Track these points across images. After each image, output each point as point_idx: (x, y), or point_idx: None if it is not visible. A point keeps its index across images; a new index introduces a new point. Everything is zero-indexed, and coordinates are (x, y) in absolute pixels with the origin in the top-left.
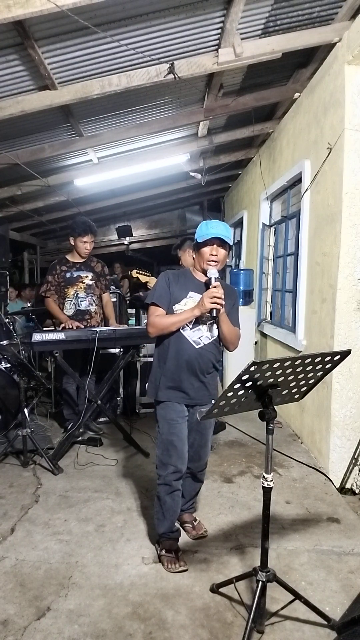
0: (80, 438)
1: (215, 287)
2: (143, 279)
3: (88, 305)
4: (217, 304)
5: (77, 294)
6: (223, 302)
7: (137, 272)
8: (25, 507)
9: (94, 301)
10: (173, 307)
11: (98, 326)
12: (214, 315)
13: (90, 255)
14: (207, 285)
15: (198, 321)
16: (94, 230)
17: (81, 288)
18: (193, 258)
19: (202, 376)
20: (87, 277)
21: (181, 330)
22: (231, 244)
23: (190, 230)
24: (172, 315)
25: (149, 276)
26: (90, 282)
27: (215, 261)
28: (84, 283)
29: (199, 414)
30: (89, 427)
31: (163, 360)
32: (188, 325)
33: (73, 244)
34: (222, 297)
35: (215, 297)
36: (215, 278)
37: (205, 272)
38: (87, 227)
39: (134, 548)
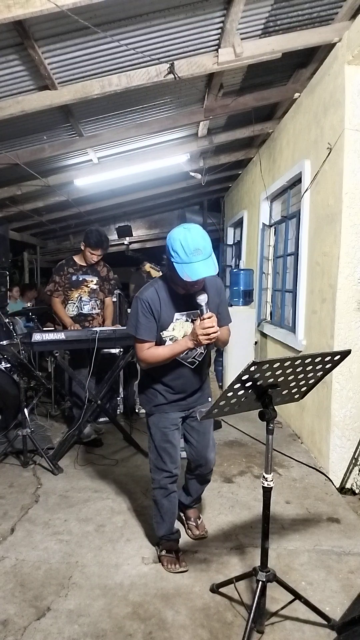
0: (89, 438)
1: (208, 317)
2: (154, 274)
3: (90, 309)
4: (213, 337)
5: (81, 297)
6: (218, 332)
7: (150, 267)
8: (25, 507)
9: (97, 305)
10: (161, 334)
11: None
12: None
13: None
14: (188, 299)
15: None
16: (105, 246)
17: (85, 292)
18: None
19: (199, 386)
20: (92, 281)
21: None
22: (216, 263)
23: None
24: (164, 348)
25: (159, 272)
26: (95, 287)
27: (201, 284)
28: (89, 287)
29: (199, 414)
30: (95, 427)
31: (157, 379)
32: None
33: (83, 249)
34: (216, 326)
35: (210, 332)
36: (205, 305)
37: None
38: (99, 242)
39: (134, 548)
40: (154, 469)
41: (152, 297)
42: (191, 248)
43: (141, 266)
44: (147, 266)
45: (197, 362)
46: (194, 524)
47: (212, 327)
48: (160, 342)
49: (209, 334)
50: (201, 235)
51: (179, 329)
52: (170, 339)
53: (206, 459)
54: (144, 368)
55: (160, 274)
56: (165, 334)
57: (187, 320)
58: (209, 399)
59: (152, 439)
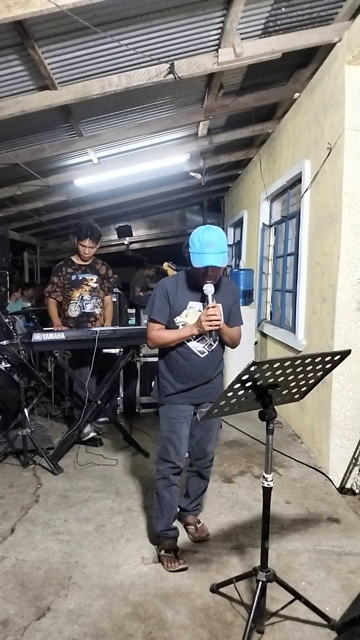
0: (89, 436)
1: (212, 306)
2: (170, 272)
3: (93, 307)
4: (216, 325)
5: (82, 296)
6: (221, 322)
7: (168, 266)
8: (25, 507)
9: (98, 304)
10: (174, 319)
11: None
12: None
13: (94, 257)
14: (205, 294)
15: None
16: (95, 236)
17: (86, 291)
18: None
19: (209, 379)
20: (92, 279)
21: (186, 342)
22: (225, 258)
23: (190, 230)
24: (171, 331)
25: (175, 271)
26: (95, 285)
27: (210, 277)
28: (89, 286)
29: (199, 414)
30: (94, 427)
31: (169, 369)
32: (192, 337)
33: (76, 245)
34: (221, 316)
35: (212, 319)
36: (212, 296)
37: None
38: (87, 232)
39: (134, 548)
40: (159, 459)
41: (171, 285)
42: (205, 241)
43: (159, 266)
44: (165, 265)
45: (207, 353)
46: (193, 528)
47: (215, 315)
48: (173, 326)
49: (211, 321)
50: (218, 234)
51: (192, 316)
52: (182, 324)
53: (205, 452)
54: (150, 348)
55: (176, 272)
56: (178, 319)
57: (199, 310)
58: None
59: (160, 429)
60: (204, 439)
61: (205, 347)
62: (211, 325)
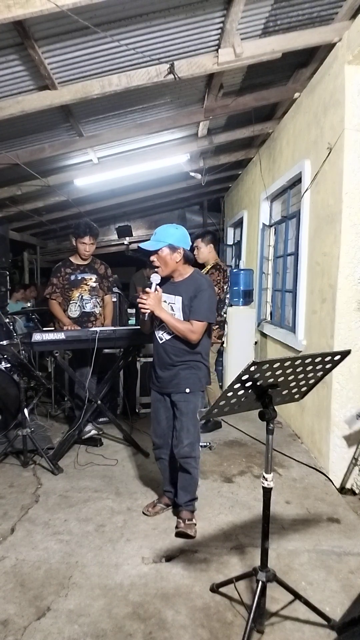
0: (89, 434)
1: (145, 292)
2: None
3: (93, 307)
4: (143, 308)
5: (82, 296)
6: (147, 307)
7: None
8: (25, 507)
9: (98, 303)
10: None
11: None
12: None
13: (93, 257)
14: (174, 286)
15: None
16: (94, 232)
17: (85, 290)
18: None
19: (169, 367)
20: (91, 279)
21: (155, 328)
22: (157, 246)
23: (190, 230)
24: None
25: None
26: (94, 284)
27: (158, 266)
28: (88, 285)
29: (198, 414)
30: (94, 426)
31: None
32: (156, 324)
33: (75, 245)
34: (145, 302)
35: (140, 303)
36: (155, 284)
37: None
38: (86, 229)
39: (134, 548)
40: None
41: (155, 280)
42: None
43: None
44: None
45: (165, 340)
46: (182, 523)
47: (142, 300)
48: None
49: (140, 301)
50: (164, 227)
51: (165, 306)
52: None
53: (179, 439)
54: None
55: None
56: None
57: (164, 301)
58: (187, 391)
59: None
60: (178, 426)
61: (165, 333)
62: (140, 306)
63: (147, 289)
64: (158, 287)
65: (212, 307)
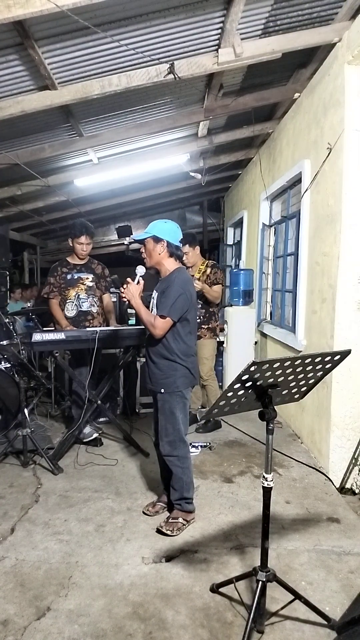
0: (91, 437)
1: (126, 283)
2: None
3: (89, 306)
4: (123, 297)
5: (79, 295)
6: (125, 297)
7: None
8: (25, 507)
9: (95, 302)
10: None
11: (99, 327)
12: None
13: (90, 257)
14: (160, 282)
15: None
16: (90, 232)
17: (82, 289)
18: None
19: (150, 365)
20: (87, 278)
21: None
22: (143, 236)
23: (190, 230)
24: None
25: None
26: (91, 284)
27: (144, 257)
28: (85, 284)
29: (198, 414)
30: (95, 427)
31: None
32: None
33: (72, 245)
34: (124, 291)
35: (122, 293)
36: (139, 276)
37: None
38: (82, 228)
39: (134, 548)
40: None
41: (139, 272)
42: None
43: None
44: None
45: (148, 333)
46: (164, 520)
47: (122, 289)
48: None
49: (122, 293)
50: (155, 221)
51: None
52: None
53: (160, 438)
54: None
55: None
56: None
57: (150, 294)
58: (162, 391)
59: None
60: (159, 428)
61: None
62: (122, 298)
63: (129, 279)
64: (141, 279)
65: (177, 305)
